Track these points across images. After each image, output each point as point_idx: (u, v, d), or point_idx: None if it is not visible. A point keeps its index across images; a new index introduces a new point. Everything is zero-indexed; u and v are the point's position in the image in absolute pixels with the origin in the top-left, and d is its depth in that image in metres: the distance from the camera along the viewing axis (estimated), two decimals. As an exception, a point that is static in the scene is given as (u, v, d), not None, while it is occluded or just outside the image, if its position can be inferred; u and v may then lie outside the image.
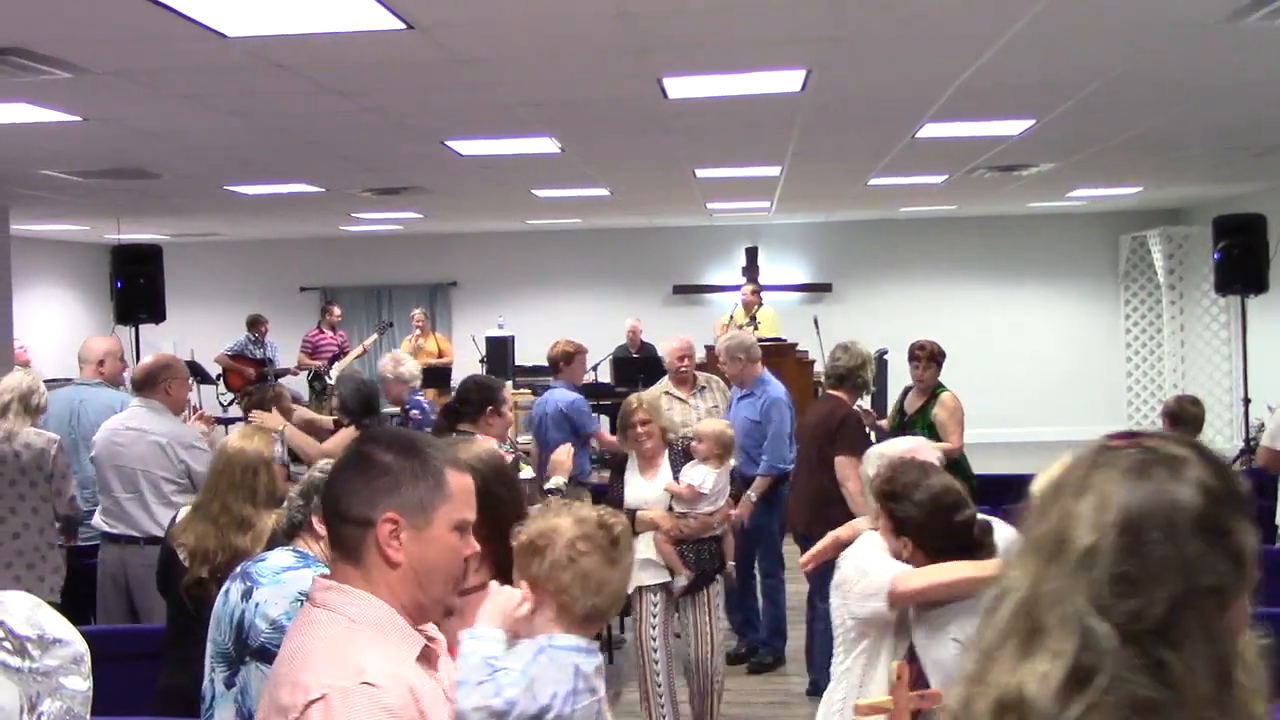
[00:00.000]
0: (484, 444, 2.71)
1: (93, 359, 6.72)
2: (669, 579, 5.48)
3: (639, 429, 5.66)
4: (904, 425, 7.27)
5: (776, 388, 7.22)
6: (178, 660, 4.02)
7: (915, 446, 3.77)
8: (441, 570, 2.04)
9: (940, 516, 3.21)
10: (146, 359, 6.23)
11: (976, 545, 3.20)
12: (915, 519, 3.24)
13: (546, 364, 15.20)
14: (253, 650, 3.06)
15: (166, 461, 5.77)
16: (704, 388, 7.73)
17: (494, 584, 2.10)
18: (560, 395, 7.79)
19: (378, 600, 2.00)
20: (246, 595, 3.13)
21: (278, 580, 3.13)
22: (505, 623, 2.08)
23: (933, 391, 7.35)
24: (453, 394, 6.26)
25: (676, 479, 5.62)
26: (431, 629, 2.13)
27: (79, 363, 6.90)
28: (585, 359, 8.35)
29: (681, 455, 5.81)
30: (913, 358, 7.44)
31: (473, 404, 5.32)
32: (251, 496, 4.18)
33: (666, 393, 7.54)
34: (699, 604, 5.54)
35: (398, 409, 7.73)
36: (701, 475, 5.52)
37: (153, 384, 5.94)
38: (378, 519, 2.00)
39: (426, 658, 2.03)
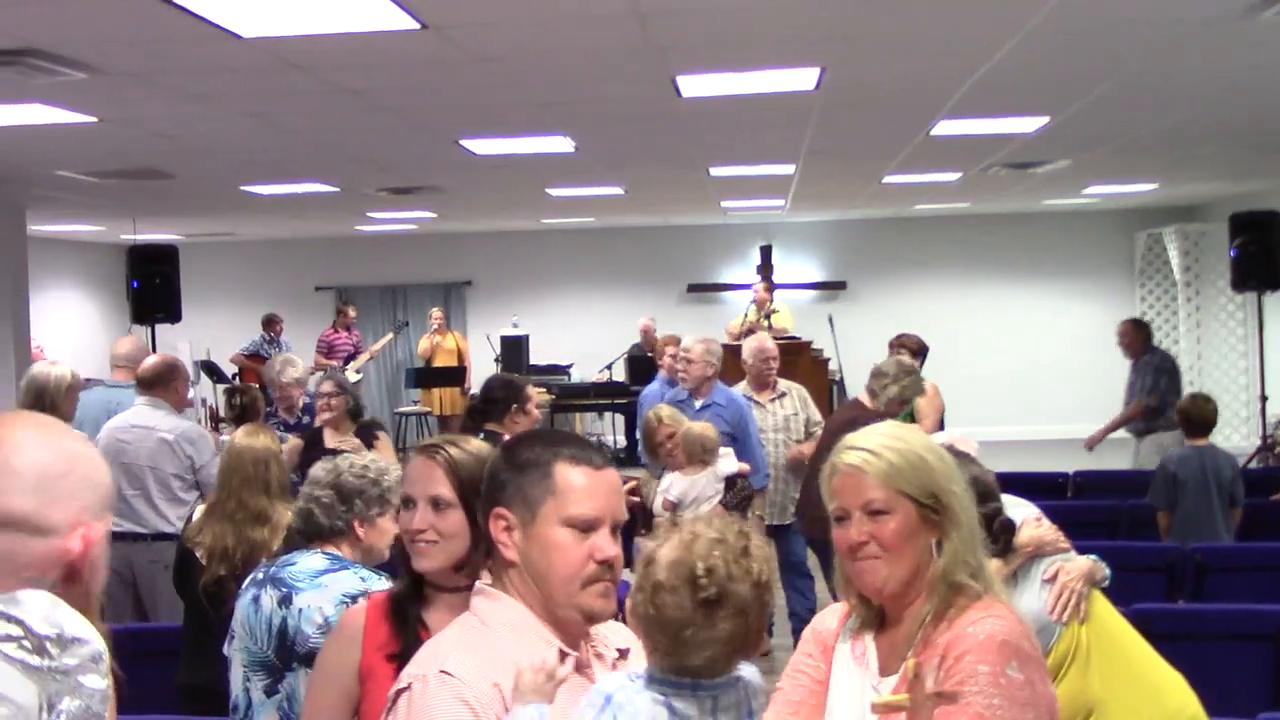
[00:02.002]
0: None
1: (139, 360, 6.78)
2: None
3: (668, 444, 5.61)
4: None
5: (737, 394, 6.99)
6: (197, 658, 4.04)
7: (954, 437, 3.77)
8: (555, 570, 1.98)
9: None
10: (152, 359, 6.27)
11: (991, 539, 3.20)
12: None
13: (564, 363, 15.46)
14: (300, 656, 3.05)
15: (175, 458, 5.81)
16: (784, 394, 7.25)
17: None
18: (656, 391, 7.66)
19: (515, 603, 2.00)
20: (285, 601, 3.12)
21: (318, 584, 3.13)
22: (545, 696, 1.87)
23: None
24: (471, 393, 6.15)
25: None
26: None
27: (113, 364, 6.94)
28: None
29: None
30: (892, 348, 7.53)
31: (498, 403, 5.28)
32: (265, 489, 4.20)
33: (744, 395, 7.11)
34: None
35: (289, 417, 7.41)
36: (668, 483, 5.42)
37: (164, 383, 6.03)
38: (490, 515, 2.02)
39: (576, 665, 1.98)
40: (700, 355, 6.80)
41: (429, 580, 2.47)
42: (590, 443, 2.16)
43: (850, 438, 2.28)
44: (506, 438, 4.98)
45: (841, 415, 6.64)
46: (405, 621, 2.47)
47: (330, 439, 6.41)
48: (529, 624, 1.97)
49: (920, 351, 7.56)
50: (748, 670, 1.95)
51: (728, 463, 5.71)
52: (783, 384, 7.30)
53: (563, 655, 1.96)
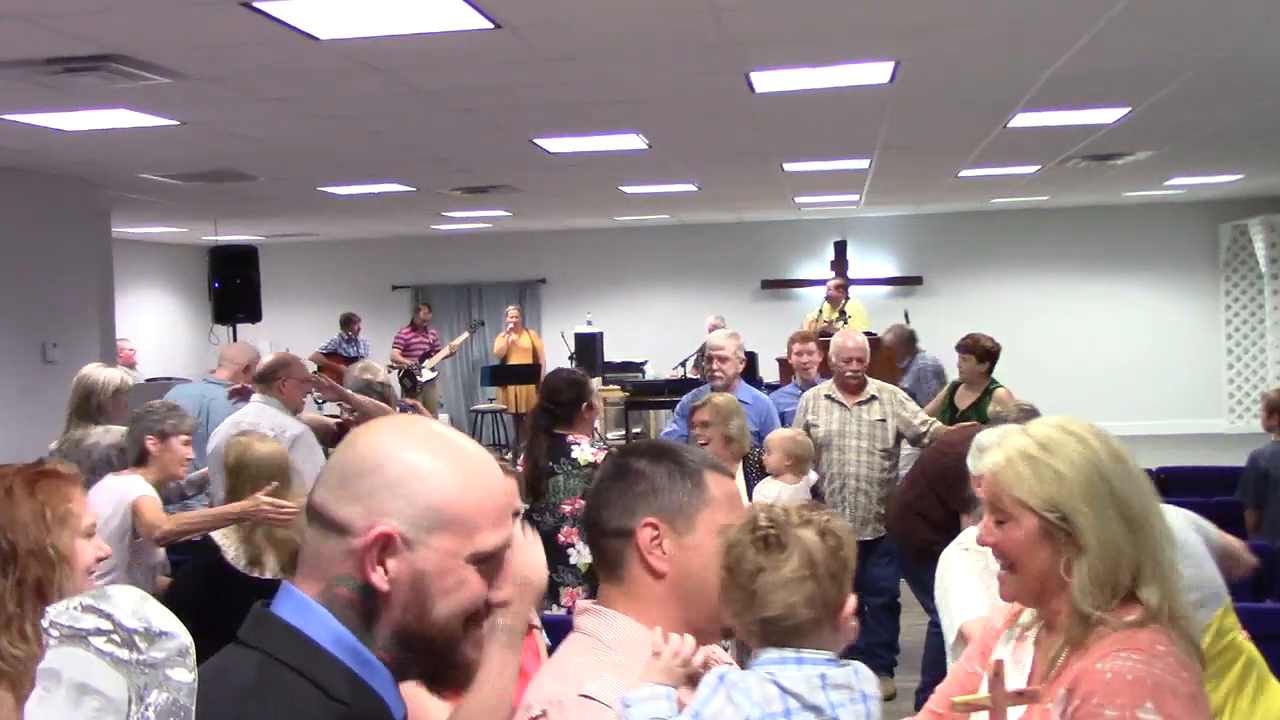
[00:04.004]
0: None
1: (240, 362, 6.96)
2: None
3: (695, 429, 5.35)
4: (956, 421, 7.00)
5: (760, 392, 6.73)
6: None
7: None
8: (710, 582, 1.88)
9: None
10: (268, 357, 6.41)
11: None
12: None
13: (638, 360, 15.48)
14: None
15: None
16: (874, 398, 6.58)
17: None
18: (787, 396, 7.34)
19: (628, 619, 1.89)
20: None
21: None
22: (674, 680, 1.78)
23: (986, 387, 7.29)
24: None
25: (749, 494, 5.27)
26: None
27: (221, 362, 7.22)
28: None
29: (756, 469, 5.55)
30: (960, 351, 7.40)
31: (569, 404, 5.20)
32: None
33: (828, 395, 6.63)
34: None
35: None
36: (774, 490, 5.20)
37: (269, 380, 6.15)
38: (636, 526, 1.90)
39: (693, 682, 1.83)
40: (734, 352, 6.53)
41: None
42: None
43: (1002, 430, 2.23)
44: (570, 438, 5.00)
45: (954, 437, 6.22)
46: None
47: None
48: (648, 640, 1.84)
49: (991, 355, 7.36)
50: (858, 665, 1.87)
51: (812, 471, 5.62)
52: (874, 386, 6.67)
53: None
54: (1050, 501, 2.03)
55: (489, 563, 1.48)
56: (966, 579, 3.39)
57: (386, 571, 1.42)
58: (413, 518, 1.43)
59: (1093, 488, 2.03)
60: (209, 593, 4.14)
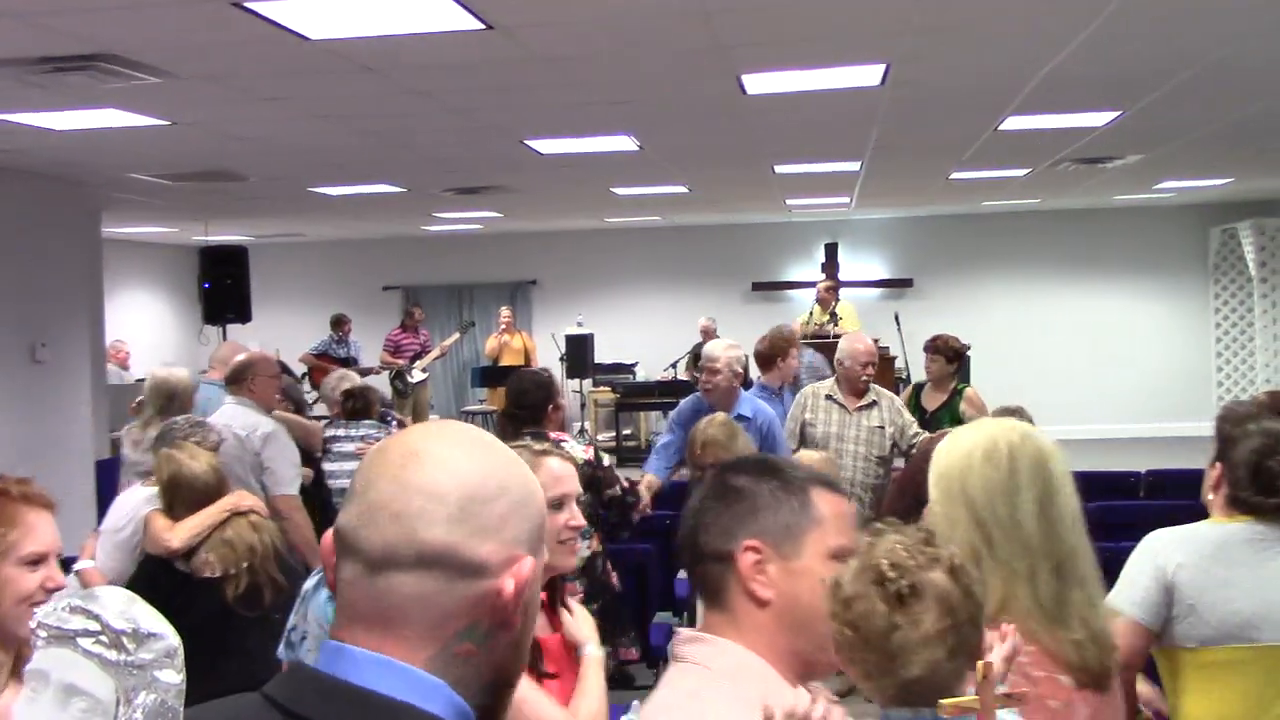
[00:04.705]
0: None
1: (222, 361, 7.02)
2: None
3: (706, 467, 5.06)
4: (926, 422, 6.92)
5: (761, 403, 6.46)
6: (212, 678, 4.13)
7: None
8: (820, 609, 1.74)
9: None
10: (238, 356, 6.44)
11: (1263, 490, 3.08)
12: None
13: (629, 362, 15.48)
14: None
15: (243, 452, 5.91)
16: (874, 403, 6.51)
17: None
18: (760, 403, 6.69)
19: (743, 649, 1.74)
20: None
21: None
22: None
23: (955, 388, 7.33)
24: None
25: None
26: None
27: (212, 363, 7.25)
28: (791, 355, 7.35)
29: None
30: (928, 351, 7.42)
31: (534, 406, 5.18)
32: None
33: (829, 396, 6.55)
34: None
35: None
36: None
37: (238, 380, 6.17)
38: (737, 550, 1.76)
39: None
40: (727, 365, 6.22)
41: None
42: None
43: None
44: (552, 435, 4.99)
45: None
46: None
47: None
48: (760, 671, 1.72)
49: (960, 355, 7.38)
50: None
51: None
52: (874, 391, 6.58)
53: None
54: (929, 483, 2.21)
55: None
56: None
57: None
58: (531, 540, 1.26)
59: (948, 483, 2.16)
60: (159, 591, 4.12)
